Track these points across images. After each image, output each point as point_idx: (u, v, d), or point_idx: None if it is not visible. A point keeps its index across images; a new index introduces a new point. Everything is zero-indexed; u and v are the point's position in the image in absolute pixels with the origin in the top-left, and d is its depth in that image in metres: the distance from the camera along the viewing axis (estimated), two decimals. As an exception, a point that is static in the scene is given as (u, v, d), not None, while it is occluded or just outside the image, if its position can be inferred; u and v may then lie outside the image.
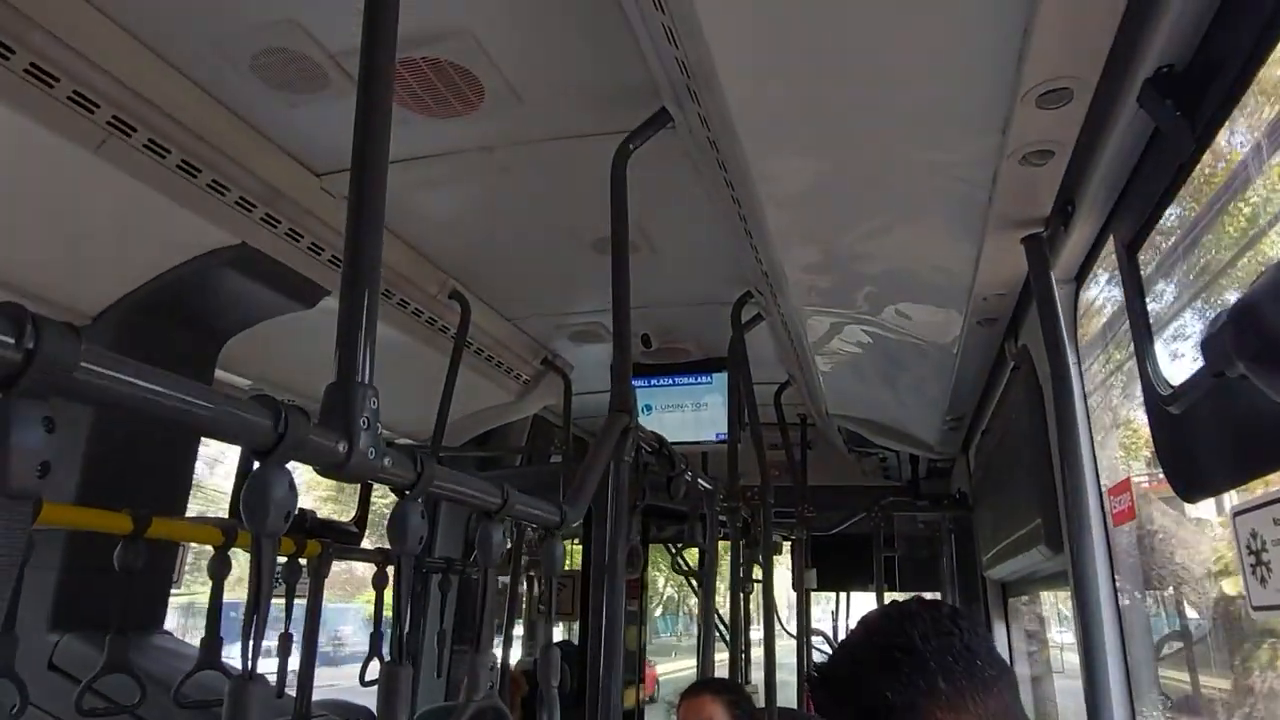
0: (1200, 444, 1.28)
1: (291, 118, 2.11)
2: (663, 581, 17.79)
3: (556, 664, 1.34)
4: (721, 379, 3.86)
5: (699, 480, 2.72)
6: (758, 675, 3.80)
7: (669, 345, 3.89)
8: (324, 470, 0.81)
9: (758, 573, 3.55)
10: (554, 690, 1.31)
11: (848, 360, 3.39)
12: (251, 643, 0.77)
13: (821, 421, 4.42)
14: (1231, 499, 1.30)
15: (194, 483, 2.53)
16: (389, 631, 2.47)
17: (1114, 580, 1.90)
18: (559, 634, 5.73)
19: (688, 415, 4.00)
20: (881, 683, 0.98)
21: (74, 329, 0.54)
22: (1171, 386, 1.29)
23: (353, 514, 3.34)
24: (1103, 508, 1.88)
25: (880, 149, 1.81)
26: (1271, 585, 1.11)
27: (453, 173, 2.38)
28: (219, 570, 1.84)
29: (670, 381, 4.05)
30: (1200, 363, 1.06)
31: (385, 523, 1.00)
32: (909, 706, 0.96)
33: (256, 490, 0.73)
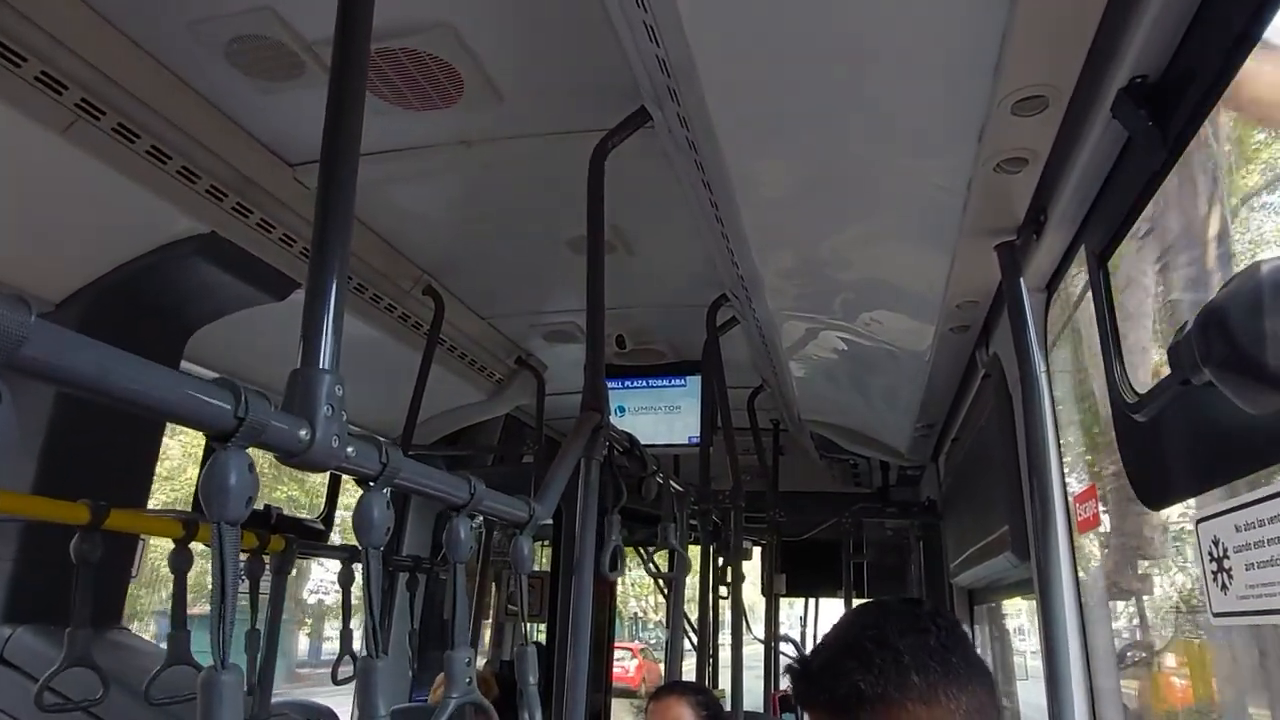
0: (1165, 451, 1.29)
1: (265, 106, 2.08)
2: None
3: (534, 661, 1.32)
4: (695, 382, 3.86)
5: (671, 483, 2.71)
6: (725, 679, 3.80)
7: (643, 347, 3.89)
8: (285, 458, 0.79)
9: (727, 576, 3.55)
10: (533, 687, 1.30)
11: (821, 366, 3.40)
12: (221, 634, 0.75)
13: (794, 427, 4.43)
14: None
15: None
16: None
17: (1078, 587, 1.91)
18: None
19: (661, 418, 4.00)
20: (855, 674, 1.01)
21: (23, 300, 0.52)
22: (1137, 394, 1.31)
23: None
24: (1069, 515, 1.90)
25: (858, 155, 1.81)
26: (1232, 592, 1.12)
27: (429, 167, 2.36)
28: (180, 564, 1.81)
29: (644, 384, 4.04)
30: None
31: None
32: (881, 697, 0.99)
33: (215, 476, 0.71)
